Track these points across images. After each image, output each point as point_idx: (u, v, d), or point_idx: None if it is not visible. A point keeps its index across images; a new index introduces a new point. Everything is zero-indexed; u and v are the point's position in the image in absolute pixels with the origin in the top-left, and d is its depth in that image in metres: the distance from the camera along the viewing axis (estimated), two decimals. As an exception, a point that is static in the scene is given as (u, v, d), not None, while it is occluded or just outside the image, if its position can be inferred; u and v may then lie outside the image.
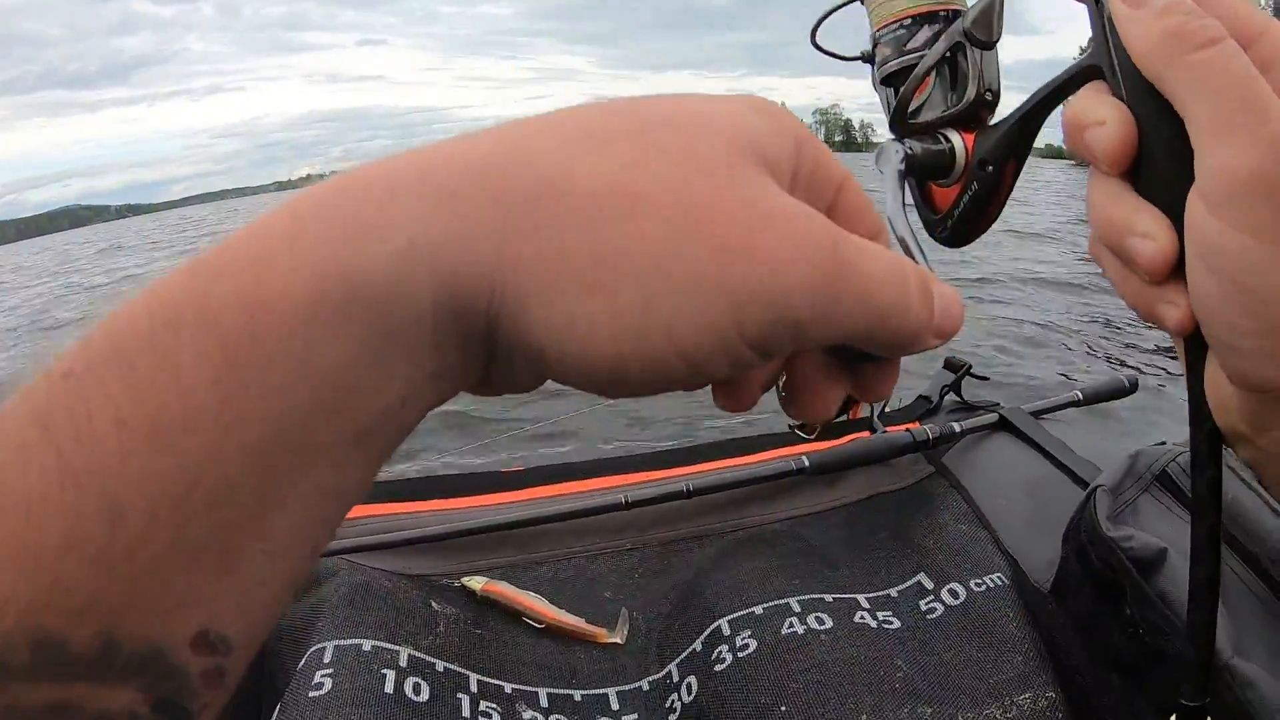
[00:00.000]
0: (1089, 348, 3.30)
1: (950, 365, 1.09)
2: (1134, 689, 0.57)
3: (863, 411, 1.03)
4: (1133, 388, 1.04)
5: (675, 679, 0.64)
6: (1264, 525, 0.59)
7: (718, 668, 0.61)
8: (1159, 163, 0.24)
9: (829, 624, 0.64)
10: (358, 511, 0.79)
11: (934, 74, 0.43)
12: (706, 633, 0.66)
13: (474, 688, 0.60)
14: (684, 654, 0.66)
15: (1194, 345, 0.26)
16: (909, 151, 0.40)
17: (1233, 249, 0.22)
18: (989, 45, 0.38)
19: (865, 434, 0.96)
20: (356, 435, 0.17)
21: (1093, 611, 0.60)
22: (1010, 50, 0.43)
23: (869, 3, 0.52)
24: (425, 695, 0.56)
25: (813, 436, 0.96)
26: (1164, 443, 0.72)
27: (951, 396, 1.07)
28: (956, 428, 0.91)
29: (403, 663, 0.58)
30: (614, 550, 0.81)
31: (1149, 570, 0.54)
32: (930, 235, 0.43)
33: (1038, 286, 4.51)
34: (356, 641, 0.58)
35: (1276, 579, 0.56)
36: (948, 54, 0.40)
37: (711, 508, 0.84)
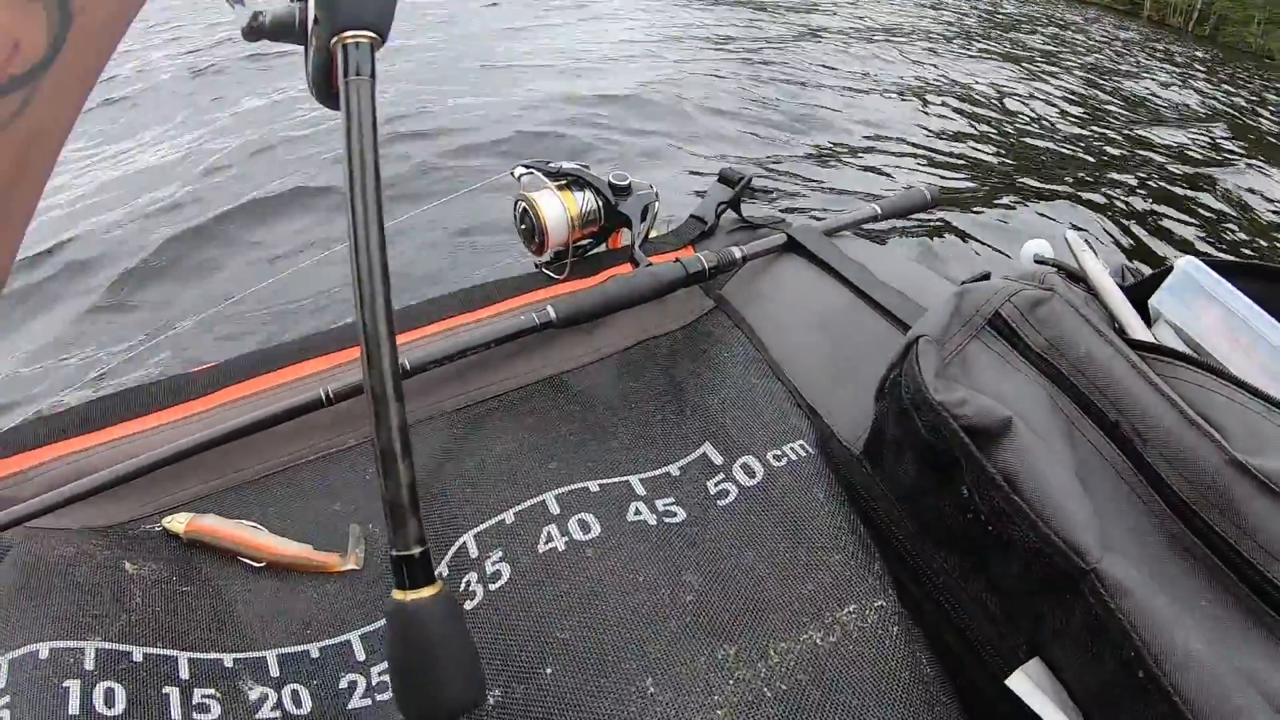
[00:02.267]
0: (883, 165, 3.36)
1: (726, 178, 0.95)
2: (973, 573, 0.48)
3: (623, 240, 0.92)
4: (934, 201, 0.97)
5: None
6: (1124, 385, 0.48)
7: (468, 604, 0.51)
8: None
9: (596, 530, 0.54)
10: (29, 460, 0.60)
11: None
12: (451, 553, 0.55)
13: (185, 673, 0.48)
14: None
15: None
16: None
17: None
18: None
19: (626, 267, 0.86)
20: None
21: (918, 485, 0.51)
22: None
23: None
24: (121, 704, 0.44)
25: (563, 276, 0.84)
26: (987, 275, 0.63)
27: (730, 215, 0.95)
28: (737, 253, 0.80)
29: (89, 664, 0.45)
30: (333, 451, 0.67)
31: (989, 442, 0.43)
32: None
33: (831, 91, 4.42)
34: (32, 649, 0.45)
35: (1142, 452, 0.46)
36: None
37: (441, 381, 0.71)
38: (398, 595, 0.34)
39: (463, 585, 0.53)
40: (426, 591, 0.35)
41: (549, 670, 0.46)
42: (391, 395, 0.35)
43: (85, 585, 0.50)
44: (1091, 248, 0.64)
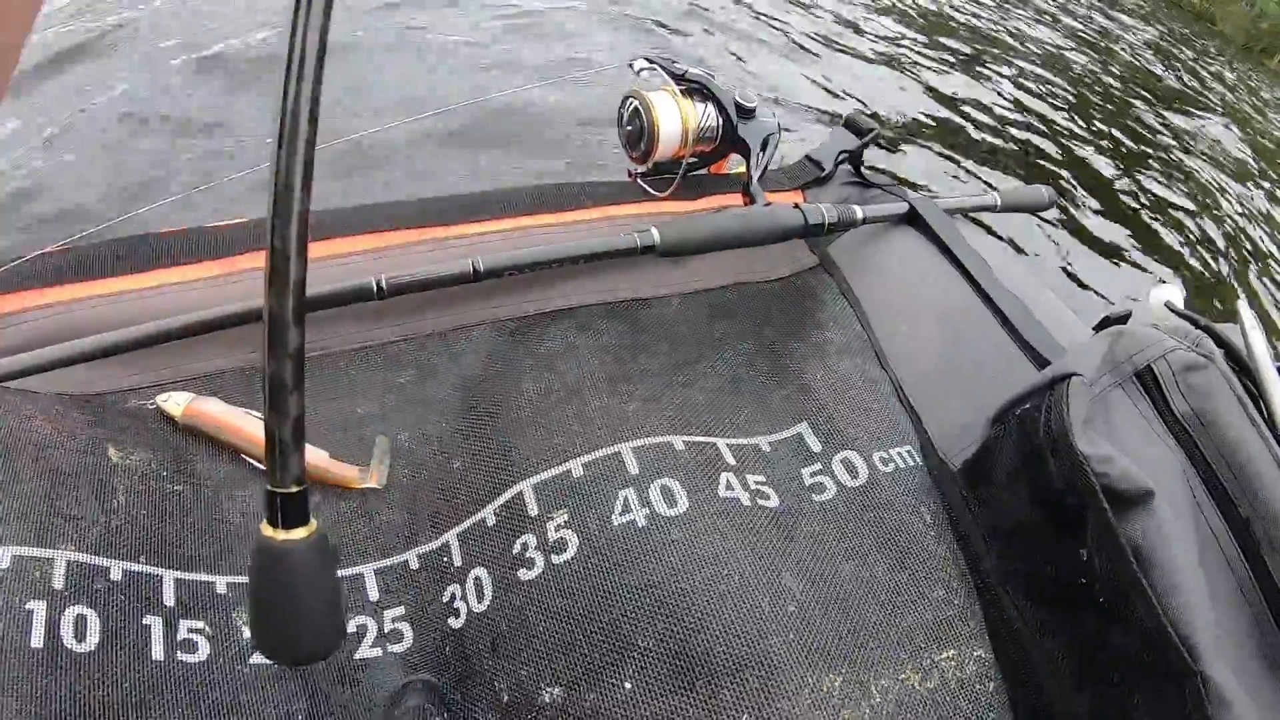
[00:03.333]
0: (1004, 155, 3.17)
1: (852, 125, 0.86)
2: (1057, 629, 0.45)
3: (728, 167, 0.82)
4: (1051, 203, 0.90)
5: (457, 561, 0.48)
6: (1267, 483, 0.43)
7: (523, 574, 0.45)
8: None
9: (683, 504, 0.48)
10: (5, 304, 0.51)
11: None
12: (503, 500, 0.49)
13: (169, 598, 0.42)
14: (469, 522, 0.49)
15: None
16: None
17: None
18: None
19: (737, 198, 0.77)
20: None
21: (1029, 529, 0.47)
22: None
23: None
24: (94, 636, 0.39)
25: (664, 194, 0.75)
26: (1127, 315, 0.55)
27: (847, 167, 0.86)
28: (859, 213, 0.71)
29: (58, 582, 0.39)
30: (371, 345, 0.60)
31: (1125, 509, 0.40)
32: None
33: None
34: None
35: (1266, 559, 0.42)
36: None
37: (513, 283, 0.64)
38: (267, 532, 0.32)
39: (517, 547, 0.47)
40: (299, 532, 0.33)
41: (628, 685, 0.41)
42: (291, 319, 0.30)
43: (61, 472, 0.44)
44: (1260, 325, 0.55)
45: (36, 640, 0.38)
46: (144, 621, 0.41)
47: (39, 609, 0.38)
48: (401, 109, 1.95)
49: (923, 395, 0.60)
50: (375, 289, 0.54)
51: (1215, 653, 0.37)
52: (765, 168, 0.76)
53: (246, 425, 0.52)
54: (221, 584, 0.45)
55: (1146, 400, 0.49)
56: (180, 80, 2.13)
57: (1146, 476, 0.41)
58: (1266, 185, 4.23)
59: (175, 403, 0.52)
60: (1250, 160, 4.64)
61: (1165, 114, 4.82)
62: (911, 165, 2.66)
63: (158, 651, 0.41)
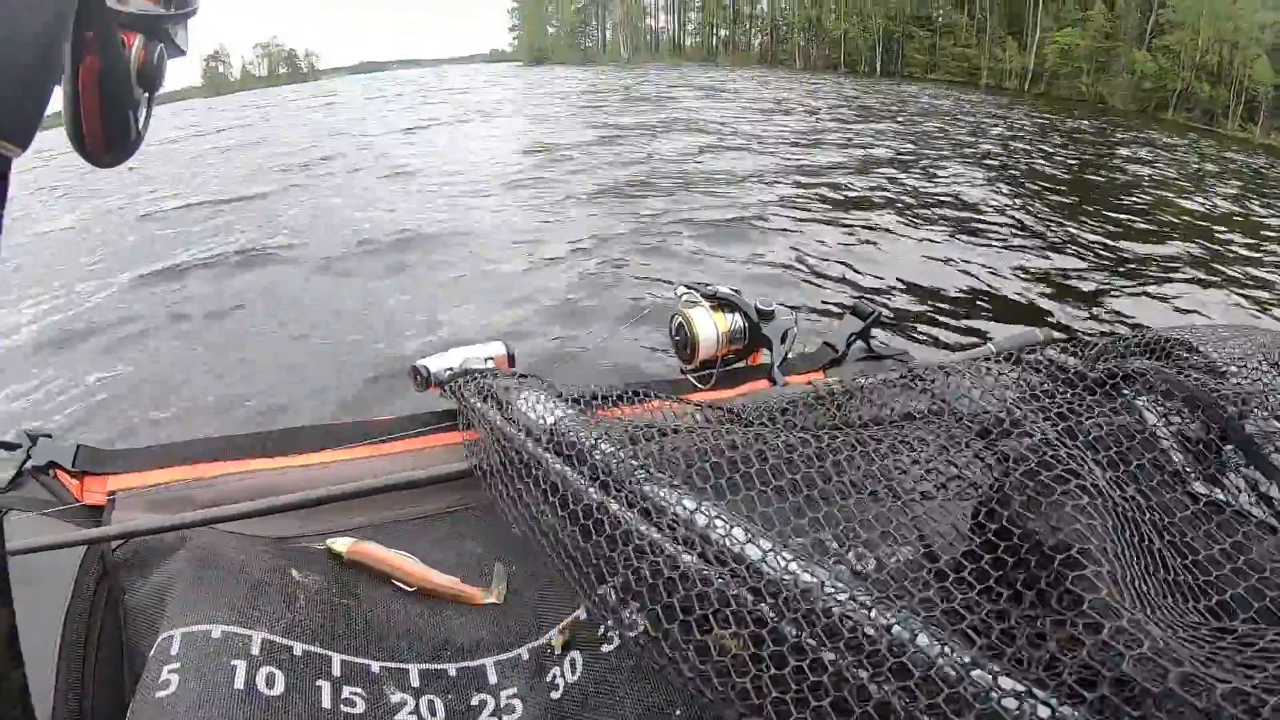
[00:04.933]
0: (998, 301, 3.45)
1: (858, 312, 1.04)
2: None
3: (762, 358, 1.01)
4: (1047, 343, 1.01)
5: (556, 650, 0.61)
6: None
7: (605, 647, 0.58)
8: None
9: None
10: (210, 469, 0.72)
11: None
12: (594, 596, 0.63)
13: (337, 670, 0.56)
14: (568, 619, 0.63)
15: None
16: None
17: None
18: None
19: (764, 383, 0.94)
20: None
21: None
22: None
23: None
24: (280, 687, 0.53)
25: (708, 386, 0.94)
26: None
27: (860, 345, 1.04)
28: (863, 382, 0.88)
29: (255, 649, 0.54)
30: (471, 505, 0.77)
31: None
32: None
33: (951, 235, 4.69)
34: (205, 628, 0.54)
35: None
36: None
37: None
38: None
39: (600, 630, 0.59)
40: None
41: (678, 712, 0.52)
42: None
43: (256, 582, 0.60)
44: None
45: (238, 684, 0.51)
46: (317, 683, 0.54)
47: (240, 665, 0.52)
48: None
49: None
50: (476, 469, 0.71)
51: None
52: (785, 356, 0.94)
53: (397, 558, 0.67)
54: (376, 666, 0.58)
55: None
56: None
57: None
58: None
59: (341, 544, 0.68)
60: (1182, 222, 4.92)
61: (1095, 209, 5.17)
62: (921, 329, 2.89)
63: (326, 701, 0.53)
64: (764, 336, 0.94)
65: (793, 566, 0.47)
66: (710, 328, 0.92)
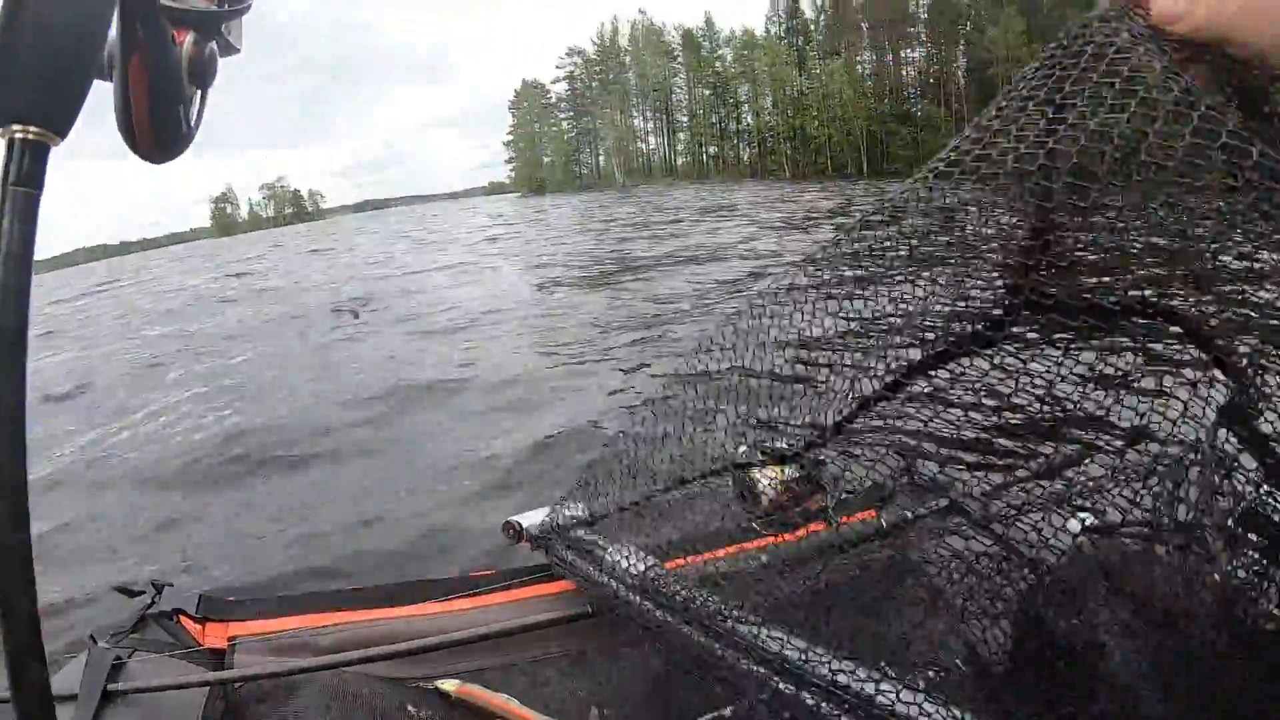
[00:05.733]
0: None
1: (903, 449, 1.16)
2: None
3: (819, 500, 1.10)
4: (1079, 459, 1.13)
5: None
6: None
7: None
8: None
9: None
10: (329, 619, 0.82)
11: None
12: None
13: None
14: None
15: None
16: None
17: None
18: None
19: (820, 525, 1.03)
20: None
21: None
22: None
23: None
24: None
25: (769, 532, 1.02)
26: None
27: (905, 480, 1.13)
28: (909, 515, 0.98)
29: None
30: (573, 652, 0.85)
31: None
32: None
33: None
34: None
35: None
36: None
37: None
38: None
39: None
40: None
41: None
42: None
43: (381, 712, 0.67)
44: None
45: None
46: None
47: None
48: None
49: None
50: (589, 609, 0.81)
51: None
52: (839, 498, 1.04)
53: (500, 699, 0.73)
54: None
55: None
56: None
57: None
58: None
59: (450, 684, 0.75)
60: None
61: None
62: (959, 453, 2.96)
63: None
64: (818, 484, 1.03)
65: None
66: (770, 481, 1.02)
